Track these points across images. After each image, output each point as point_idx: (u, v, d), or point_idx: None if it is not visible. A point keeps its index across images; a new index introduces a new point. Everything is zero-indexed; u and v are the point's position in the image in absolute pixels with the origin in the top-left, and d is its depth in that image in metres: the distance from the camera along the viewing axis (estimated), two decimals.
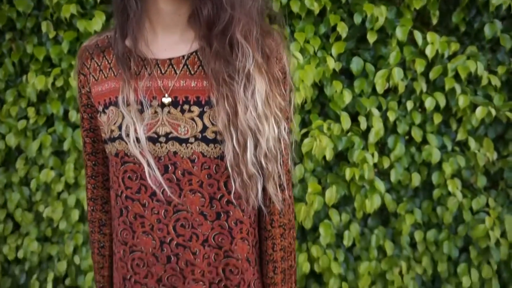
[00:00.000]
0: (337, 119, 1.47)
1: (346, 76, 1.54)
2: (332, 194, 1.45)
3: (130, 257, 0.75)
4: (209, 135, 0.69)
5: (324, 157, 1.55)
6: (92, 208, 0.86)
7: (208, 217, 0.72)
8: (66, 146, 1.60)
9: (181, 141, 0.69)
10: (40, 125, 1.65)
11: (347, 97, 1.40)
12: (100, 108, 0.74)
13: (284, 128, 0.73)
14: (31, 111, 1.62)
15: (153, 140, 0.69)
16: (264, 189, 0.72)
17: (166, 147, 0.70)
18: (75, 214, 1.65)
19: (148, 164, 0.68)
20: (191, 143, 0.69)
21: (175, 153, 0.69)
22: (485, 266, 1.59)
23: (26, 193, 1.73)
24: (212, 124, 0.69)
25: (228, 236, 0.73)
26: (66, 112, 1.63)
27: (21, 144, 1.67)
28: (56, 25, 1.58)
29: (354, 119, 1.50)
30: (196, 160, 0.69)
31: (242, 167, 0.68)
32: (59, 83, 1.56)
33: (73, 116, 1.58)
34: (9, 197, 1.72)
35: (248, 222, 0.75)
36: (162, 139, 0.69)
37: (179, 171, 0.70)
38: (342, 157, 1.58)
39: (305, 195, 1.49)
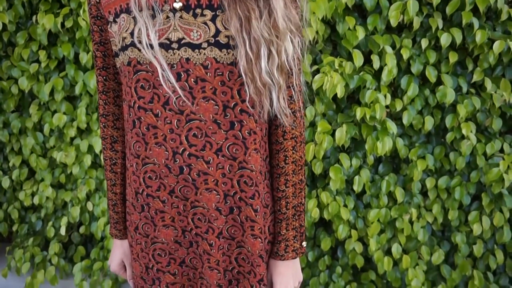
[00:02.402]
0: (349, 57, 1.44)
1: (359, 14, 1.50)
2: (342, 134, 1.44)
3: (142, 170, 0.75)
4: (222, 39, 0.68)
5: (335, 100, 1.53)
6: (104, 124, 0.87)
7: (222, 126, 0.71)
8: (77, 90, 1.61)
9: (194, 46, 0.69)
10: (51, 69, 1.66)
11: (360, 34, 1.37)
12: (111, 18, 0.73)
13: (298, 42, 0.72)
14: (42, 54, 1.62)
15: (165, 46, 0.69)
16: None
17: (179, 54, 0.69)
18: (88, 160, 1.68)
19: (162, 69, 0.68)
20: (204, 48, 0.69)
21: (187, 59, 0.69)
22: (497, 214, 1.57)
23: (40, 138, 1.75)
24: (225, 28, 0.68)
25: (242, 146, 0.73)
26: (76, 56, 1.63)
27: (33, 88, 1.69)
28: None
29: (366, 61, 1.47)
30: (209, 66, 0.69)
31: (255, 73, 0.68)
32: (69, 24, 1.56)
33: (84, 58, 1.58)
34: (24, 143, 1.75)
35: (260, 135, 0.75)
36: (175, 45, 0.69)
37: (192, 79, 0.69)
38: (353, 99, 1.56)
39: (315, 136, 1.47)
